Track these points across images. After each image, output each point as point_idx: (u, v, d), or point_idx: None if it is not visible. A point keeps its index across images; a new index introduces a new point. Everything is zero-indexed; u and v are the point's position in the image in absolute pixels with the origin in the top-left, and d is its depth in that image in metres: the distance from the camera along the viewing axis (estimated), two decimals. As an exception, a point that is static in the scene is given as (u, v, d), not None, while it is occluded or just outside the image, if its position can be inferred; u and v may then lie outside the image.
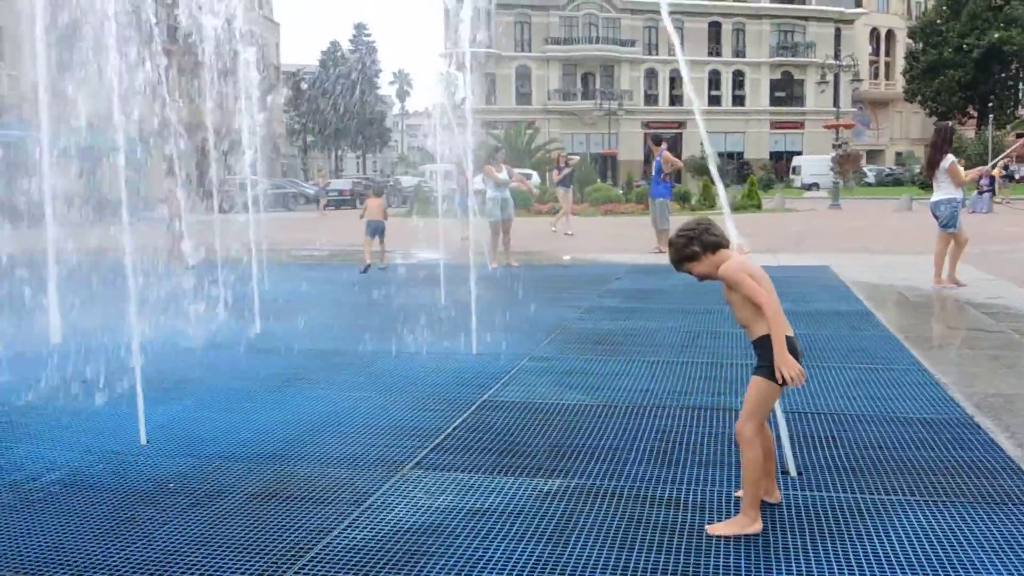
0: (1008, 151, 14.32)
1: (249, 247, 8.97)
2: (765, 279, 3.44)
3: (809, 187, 55.91)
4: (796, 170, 62.17)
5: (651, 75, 70.24)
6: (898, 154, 74.40)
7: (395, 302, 10.01)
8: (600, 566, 3.17)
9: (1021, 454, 4.30)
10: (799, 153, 67.57)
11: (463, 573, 3.14)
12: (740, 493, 3.83)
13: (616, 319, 8.60)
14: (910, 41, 67.72)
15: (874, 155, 74.13)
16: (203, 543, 3.42)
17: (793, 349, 3.35)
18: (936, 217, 10.33)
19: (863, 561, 3.18)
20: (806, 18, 71.86)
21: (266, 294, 8.45)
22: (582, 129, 67.71)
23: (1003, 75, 58.74)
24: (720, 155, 59.88)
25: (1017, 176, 46.68)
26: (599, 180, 41.28)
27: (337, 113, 67.77)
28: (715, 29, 70.48)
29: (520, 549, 3.33)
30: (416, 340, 7.45)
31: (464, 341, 7.22)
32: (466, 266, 7.46)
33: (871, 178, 61.64)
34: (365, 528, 3.55)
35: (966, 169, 12.96)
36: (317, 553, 3.32)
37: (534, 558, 3.25)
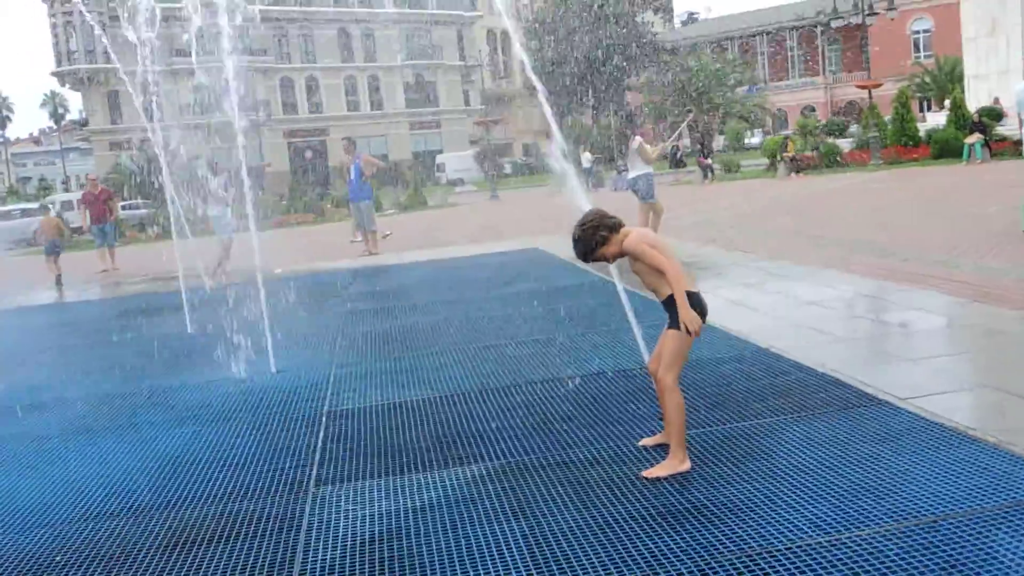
0: (679, 131, 16.45)
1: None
2: (664, 245, 3.82)
3: (455, 183, 58.62)
4: (440, 167, 64.91)
5: (287, 84, 69.38)
6: (525, 145, 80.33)
7: (136, 334, 9.19)
8: (584, 526, 3.35)
9: (829, 370, 5.13)
10: (440, 151, 70.58)
11: (467, 560, 3.17)
12: (645, 442, 4.21)
13: (387, 319, 8.65)
14: (524, 41, 73.40)
15: (503, 148, 79.45)
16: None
17: (698, 304, 3.77)
18: (635, 192, 11.59)
19: (788, 472, 3.68)
20: (429, 23, 75.03)
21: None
22: (224, 143, 65.09)
23: (605, 67, 65.96)
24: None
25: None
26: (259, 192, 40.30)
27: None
28: (345, 36, 71.25)
29: (499, 529, 3.41)
30: (199, 369, 6.99)
31: (253, 362, 6.91)
32: (191, 289, 7.08)
33: (508, 169, 66.27)
34: (328, 549, 3.41)
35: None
36: (302, 581, 3.15)
37: (518, 534, 3.35)
